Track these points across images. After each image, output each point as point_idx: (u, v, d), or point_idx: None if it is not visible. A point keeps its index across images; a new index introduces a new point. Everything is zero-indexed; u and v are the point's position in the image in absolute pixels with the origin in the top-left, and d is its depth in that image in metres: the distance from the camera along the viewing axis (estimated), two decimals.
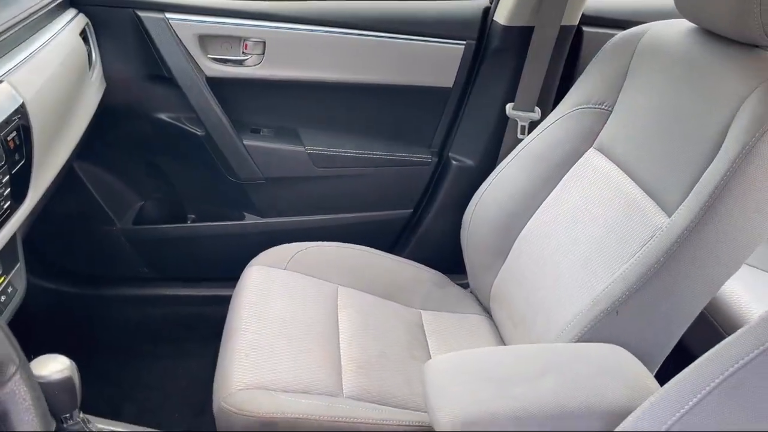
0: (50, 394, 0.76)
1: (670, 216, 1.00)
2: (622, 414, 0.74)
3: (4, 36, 1.05)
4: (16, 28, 1.10)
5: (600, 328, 0.98)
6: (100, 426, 0.88)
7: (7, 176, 0.93)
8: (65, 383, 0.76)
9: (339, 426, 1.02)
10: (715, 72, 1.02)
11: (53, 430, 0.70)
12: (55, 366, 0.76)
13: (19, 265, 0.97)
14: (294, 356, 1.13)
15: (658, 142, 1.09)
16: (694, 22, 1.11)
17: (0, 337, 0.52)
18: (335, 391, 1.09)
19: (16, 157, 0.96)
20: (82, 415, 0.82)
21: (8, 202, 0.94)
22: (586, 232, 1.14)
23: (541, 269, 1.20)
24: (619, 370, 0.88)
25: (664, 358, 1.02)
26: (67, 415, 0.80)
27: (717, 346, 0.72)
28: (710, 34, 1.08)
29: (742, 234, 0.92)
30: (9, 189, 0.94)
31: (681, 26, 1.15)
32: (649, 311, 0.97)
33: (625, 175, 1.14)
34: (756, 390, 0.66)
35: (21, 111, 0.97)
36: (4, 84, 0.97)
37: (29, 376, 0.55)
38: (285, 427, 1.01)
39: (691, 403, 0.69)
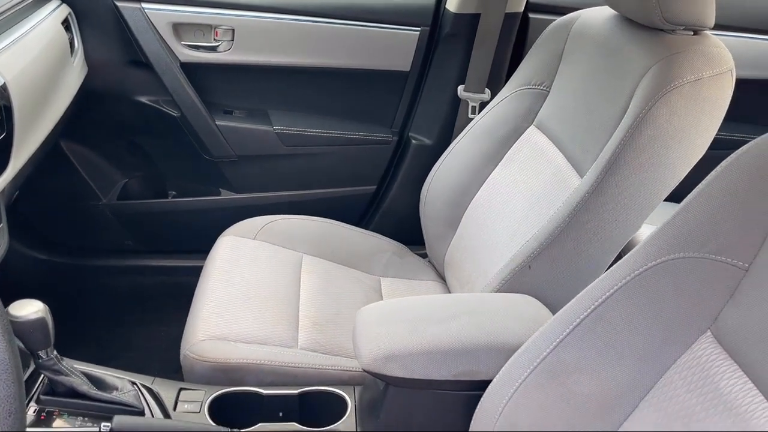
0: (27, 332, 0.88)
1: None
2: None
3: None
4: (1, 18, 1.19)
5: (516, 281, 1.08)
6: (75, 365, 1.00)
7: None
8: (39, 323, 0.87)
9: (290, 370, 1.12)
10: (626, 52, 1.12)
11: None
12: (30, 308, 0.87)
13: (2, 225, 1.08)
14: (255, 313, 1.21)
15: (582, 117, 1.19)
16: (612, 9, 1.20)
17: None
18: (290, 343, 1.18)
19: None
20: (55, 352, 0.94)
21: None
22: (521, 202, 1.24)
23: (483, 236, 1.29)
24: (522, 314, 0.98)
25: None
26: (42, 352, 0.92)
27: (590, 285, 0.83)
28: (626, 19, 1.18)
29: (638, 195, 1.02)
30: None
31: (606, 12, 1.24)
32: (559, 265, 1.07)
33: (557, 149, 1.23)
34: (612, 322, 0.77)
35: (2, 91, 1.06)
36: None
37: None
38: (241, 371, 1.10)
39: (561, 336, 0.80)
